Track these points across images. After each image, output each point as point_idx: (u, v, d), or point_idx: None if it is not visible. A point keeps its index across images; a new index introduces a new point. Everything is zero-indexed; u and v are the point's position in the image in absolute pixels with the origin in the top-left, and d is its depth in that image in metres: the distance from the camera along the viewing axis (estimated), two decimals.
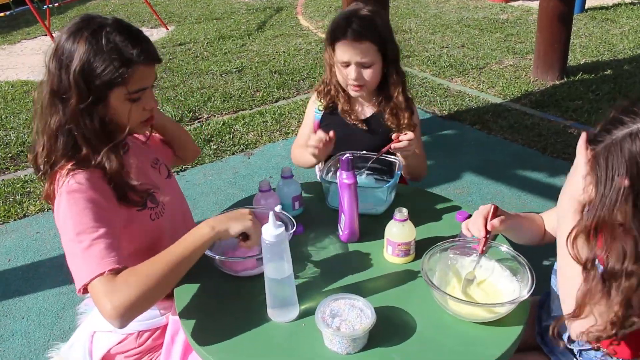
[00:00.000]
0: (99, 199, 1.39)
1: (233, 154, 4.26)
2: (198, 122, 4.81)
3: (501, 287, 1.44)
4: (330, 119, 2.13)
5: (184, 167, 4.05)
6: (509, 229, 1.52)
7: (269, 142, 4.40)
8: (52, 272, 3.01)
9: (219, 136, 4.48)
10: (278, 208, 1.41)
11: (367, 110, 2.10)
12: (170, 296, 1.58)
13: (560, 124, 4.38)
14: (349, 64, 1.95)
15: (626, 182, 1.16)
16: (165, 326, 1.63)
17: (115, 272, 1.30)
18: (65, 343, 1.76)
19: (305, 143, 1.94)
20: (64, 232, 1.36)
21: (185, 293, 1.52)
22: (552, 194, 1.73)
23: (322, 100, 2.14)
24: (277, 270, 1.33)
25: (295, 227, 1.52)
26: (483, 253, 1.45)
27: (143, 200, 1.53)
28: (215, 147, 4.33)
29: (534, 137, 4.19)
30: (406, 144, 1.82)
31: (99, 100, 1.40)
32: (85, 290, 1.31)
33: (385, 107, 2.04)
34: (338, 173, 1.64)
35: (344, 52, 1.94)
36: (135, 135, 1.71)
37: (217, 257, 1.49)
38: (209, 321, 1.42)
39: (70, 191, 1.36)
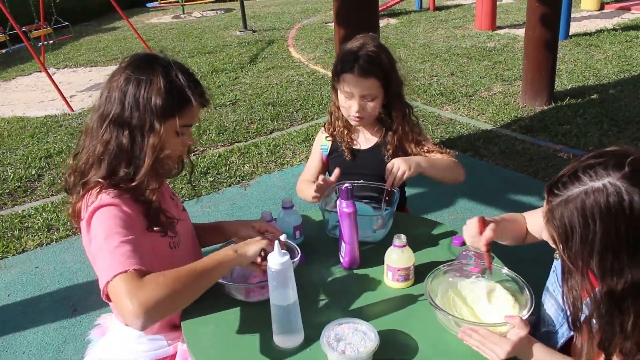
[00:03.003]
0: (131, 213, 1.46)
1: (229, 185, 4.31)
2: (194, 154, 4.87)
3: (502, 307, 1.49)
4: (337, 150, 2.21)
5: (182, 199, 4.07)
6: (498, 234, 1.57)
7: (265, 174, 4.47)
8: (52, 307, 3.02)
9: (215, 168, 4.54)
10: (283, 237, 1.47)
11: (370, 139, 2.17)
12: (177, 326, 1.62)
13: (550, 149, 4.47)
14: (352, 96, 2.03)
15: (577, 239, 1.19)
16: (173, 356, 1.66)
17: (140, 273, 1.32)
18: None
19: (311, 178, 2.07)
20: (95, 238, 1.40)
21: (193, 321, 1.56)
22: None
23: (329, 132, 2.22)
24: (283, 297, 1.37)
25: (300, 255, 1.57)
26: (490, 266, 1.51)
27: (168, 226, 1.59)
28: (211, 179, 4.38)
29: (525, 162, 4.27)
30: (393, 181, 1.89)
31: (153, 127, 1.48)
32: (108, 297, 1.33)
33: (389, 137, 2.11)
34: (338, 202, 1.70)
35: (349, 85, 2.02)
36: None
37: (228, 283, 1.56)
38: (216, 348, 1.46)
39: (103, 205, 1.43)
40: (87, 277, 3.25)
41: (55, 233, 3.74)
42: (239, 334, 1.50)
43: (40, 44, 7.85)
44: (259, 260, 1.53)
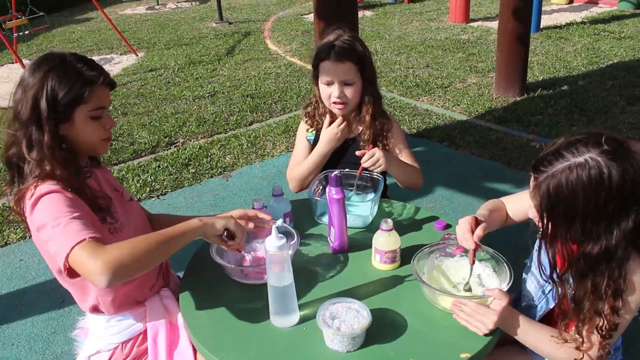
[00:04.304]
0: (72, 197, 1.50)
1: (211, 177, 4.36)
2: (175, 146, 4.91)
3: (485, 282, 1.61)
4: None
5: (164, 191, 4.14)
6: (487, 230, 1.67)
7: (246, 165, 4.52)
8: (39, 299, 3.05)
9: (197, 160, 4.59)
10: (280, 222, 1.54)
11: (357, 127, 2.26)
12: (140, 302, 1.74)
13: (523, 138, 4.63)
14: (332, 83, 2.11)
15: (562, 208, 1.33)
16: (145, 332, 1.74)
17: (97, 240, 1.37)
18: None
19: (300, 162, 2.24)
20: (43, 227, 1.44)
21: (192, 298, 1.65)
22: None
23: (311, 124, 2.30)
24: (280, 278, 1.45)
25: (298, 239, 1.65)
26: (473, 263, 1.60)
27: (103, 215, 1.62)
28: (193, 170, 4.43)
29: (499, 152, 4.42)
30: (370, 163, 2.00)
31: (65, 118, 1.55)
32: (70, 272, 1.38)
33: (362, 125, 2.21)
34: (327, 189, 1.78)
35: (327, 71, 2.12)
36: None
37: (227, 264, 1.65)
38: (214, 325, 1.55)
39: (43, 194, 1.47)
40: None
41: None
42: (237, 315, 1.58)
43: (15, 34, 7.73)
44: (222, 242, 1.59)
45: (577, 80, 5.88)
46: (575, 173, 1.29)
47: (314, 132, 2.32)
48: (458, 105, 5.45)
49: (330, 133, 2.20)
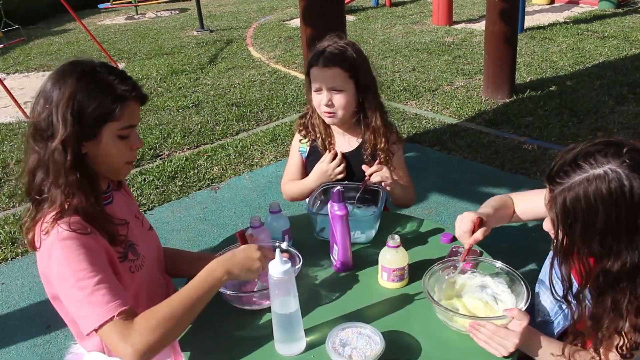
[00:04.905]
0: (91, 243, 1.39)
1: (199, 189, 4.24)
2: (160, 159, 4.78)
3: (500, 300, 1.52)
4: (316, 152, 2.19)
5: (151, 205, 4.01)
6: (487, 233, 1.60)
7: (234, 176, 4.41)
8: (23, 324, 2.91)
9: (183, 172, 4.46)
10: (284, 245, 1.44)
11: (352, 141, 2.17)
12: None
13: (515, 141, 4.57)
14: (321, 90, 2.02)
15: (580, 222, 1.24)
16: None
17: (125, 314, 1.30)
18: None
19: (295, 179, 2.17)
20: (62, 280, 1.34)
21: (192, 332, 1.53)
22: None
23: (305, 135, 2.20)
24: (284, 305, 1.35)
25: (301, 262, 1.55)
26: (464, 261, 1.54)
27: (125, 251, 1.52)
28: (180, 183, 4.31)
29: (491, 155, 4.35)
30: (378, 178, 1.92)
31: (91, 136, 1.41)
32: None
33: (367, 134, 2.11)
34: (329, 205, 1.69)
35: (315, 78, 2.04)
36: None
37: (228, 292, 1.53)
38: (216, 357, 1.43)
39: (63, 239, 1.35)
40: None
41: (21, 246, 3.59)
42: (239, 344, 1.47)
43: None
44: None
45: (564, 80, 5.86)
46: (594, 185, 1.20)
47: (307, 143, 2.22)
48: (447, 108, 5.39)
49: (320, 169, 2.09)
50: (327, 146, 2.16)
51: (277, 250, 1.33)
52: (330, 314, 1.55)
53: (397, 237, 1.61)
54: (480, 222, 1.56)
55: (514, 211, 1.74)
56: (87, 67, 1.42)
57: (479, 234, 1.53)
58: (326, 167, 2.08)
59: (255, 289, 1.62)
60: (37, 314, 2.98)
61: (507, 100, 5.41)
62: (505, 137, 4.67)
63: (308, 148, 2.23)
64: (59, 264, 1.34)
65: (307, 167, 2.24)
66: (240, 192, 4.15)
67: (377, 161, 1.98)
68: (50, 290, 1.47)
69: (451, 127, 4.95)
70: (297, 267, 1.52)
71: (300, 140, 2.24)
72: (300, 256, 1.56)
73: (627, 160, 1.19)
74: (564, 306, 1.48)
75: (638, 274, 1.25)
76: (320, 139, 2.16)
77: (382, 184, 1.94)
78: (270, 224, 1.85)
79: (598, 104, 5.16)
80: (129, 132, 1.48)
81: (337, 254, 1.71)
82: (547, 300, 1.55)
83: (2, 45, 8.15)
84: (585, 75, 5.96)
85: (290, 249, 1.51)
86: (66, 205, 1.39)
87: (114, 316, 1.29)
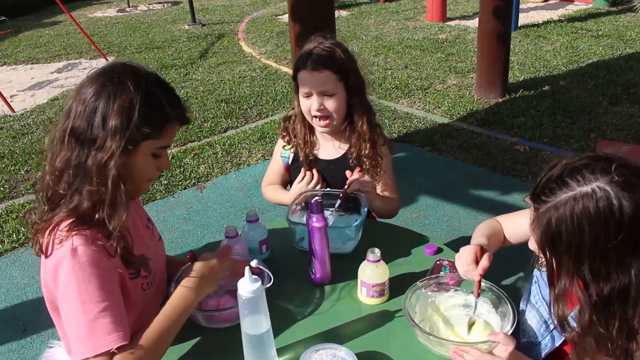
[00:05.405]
0: (105, 262, 1.30)
1: (185, 188, 4.16)
2: None
3: (488, 322, 1.45)
4: (299, 160, 2.10)
5: None
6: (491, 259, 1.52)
7: (221, 174, 4.33)
8: None
9: (169, 171, 4.37)
10: (254, 263, 1.36)
11: (338, 147, 2.08)
12: None
13: (507, 141, 4.50)
14: (311, 94, 1.94)
15: (566, 244, 1.16)
16: None
17: (122, 349, 1.25)
18: None
19: (275, 183, 2.18)
20: (67, 298, 1.27)
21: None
22: (506, 211, 1.76)
23: (288, 141, 2.12)
24: (255, 325, 1.28)
25: (271, 280, 1.46)
26: (479, 296, 1.44)
27: (137, 268, 1.44)
28: (166, 182, 4.22)
29: (483, 156, 4.28)
30: (357, 187, 1.86)
31: (129, 149, 1.32)
32: None
33: (354, 139, 2.02)
34: (307, 216, 1.61)
35: (304, 82, 1.94)
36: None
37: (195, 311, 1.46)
38: None
39: (76, 255, 1.26)
40: (37, 292, 3.06)
41: (0, 246, 3.51)
42: None
43: None
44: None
45: (558, 80, 5.79)
46: (581, 204, 1.12)
47: (291, 150, 2.14)
48: (439, 107, 5.31)
49: (298, 189, 2.02)
50: (306, 160, 2.07)
51: (247, 268, 1.24)
52: (305, 331, 1.48)
53: (377, 250, 1.54)
54: (481, 251, 1.47)
55: (505, 237, 1.66)
56: (143, 78, 1.35)
57: (485, 261, 1.43)
58: (305, 189, 2.01)
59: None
60: (13, 316, 2.90)
61: (500, 100, 5.34)
62: (497, 137, 4.59)
63: (291, 155, 2.14)
64: (67, 281, 1.26)
65: (291, 173, 2.16)
66: (227, 192, 4.07)
67: (356, 169, 1.90)
68: (51, 299, 1.38)
69: (443, 126, 4.87)
70: (266, 285, 1.43)
71: (283, 147, 2.15)
72: (271, 275, 1.47)
73: (616, 177, 1.11)
74: (551, 326, 1.41)
75: (628, 297, 1.18)
76: (299, 148, 2.08)
77: (364, 191, 1.87)
78: (247, 233, 1.78)
79: (592, 104, 5.09)
80: (163, 151, 1.43)
81: (314, 267, 1.63)
82: (533, 320, 1.47)
83: None
84: (579, 74, 5.89)
85: (260, 266, 1.42)
86: (89, 217, 1.31)
87: (110, 350, 1.22)
